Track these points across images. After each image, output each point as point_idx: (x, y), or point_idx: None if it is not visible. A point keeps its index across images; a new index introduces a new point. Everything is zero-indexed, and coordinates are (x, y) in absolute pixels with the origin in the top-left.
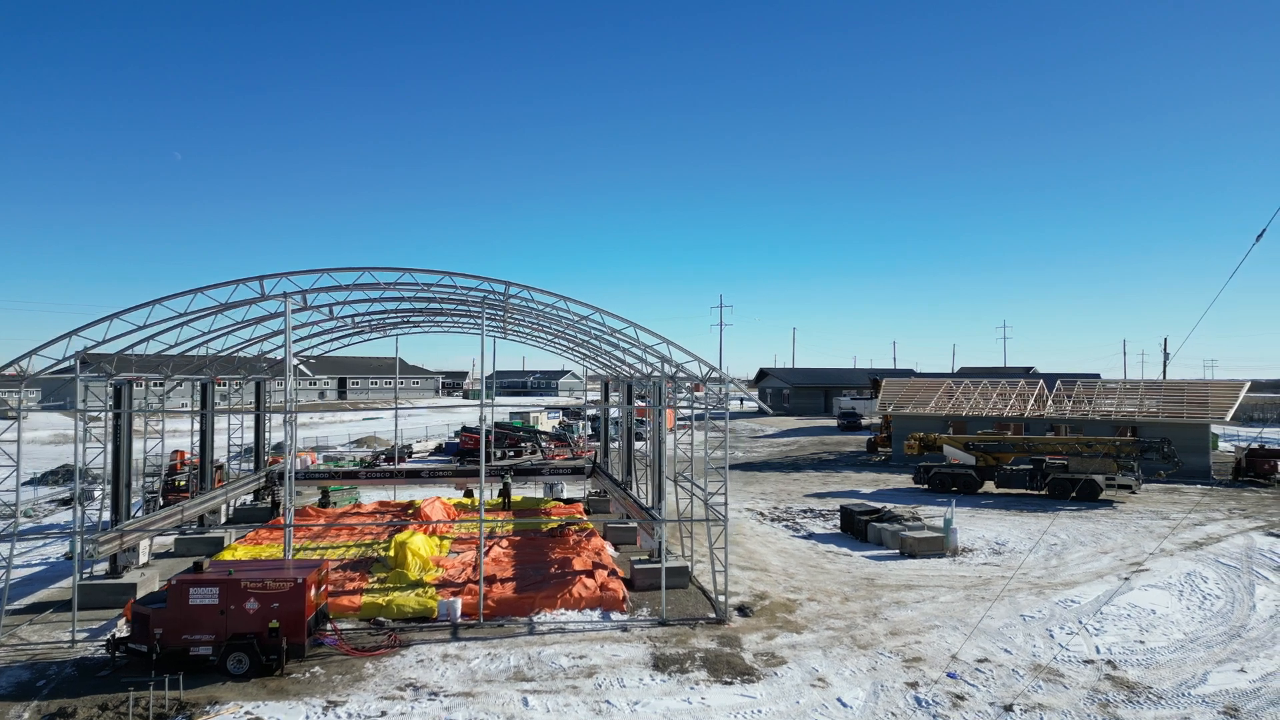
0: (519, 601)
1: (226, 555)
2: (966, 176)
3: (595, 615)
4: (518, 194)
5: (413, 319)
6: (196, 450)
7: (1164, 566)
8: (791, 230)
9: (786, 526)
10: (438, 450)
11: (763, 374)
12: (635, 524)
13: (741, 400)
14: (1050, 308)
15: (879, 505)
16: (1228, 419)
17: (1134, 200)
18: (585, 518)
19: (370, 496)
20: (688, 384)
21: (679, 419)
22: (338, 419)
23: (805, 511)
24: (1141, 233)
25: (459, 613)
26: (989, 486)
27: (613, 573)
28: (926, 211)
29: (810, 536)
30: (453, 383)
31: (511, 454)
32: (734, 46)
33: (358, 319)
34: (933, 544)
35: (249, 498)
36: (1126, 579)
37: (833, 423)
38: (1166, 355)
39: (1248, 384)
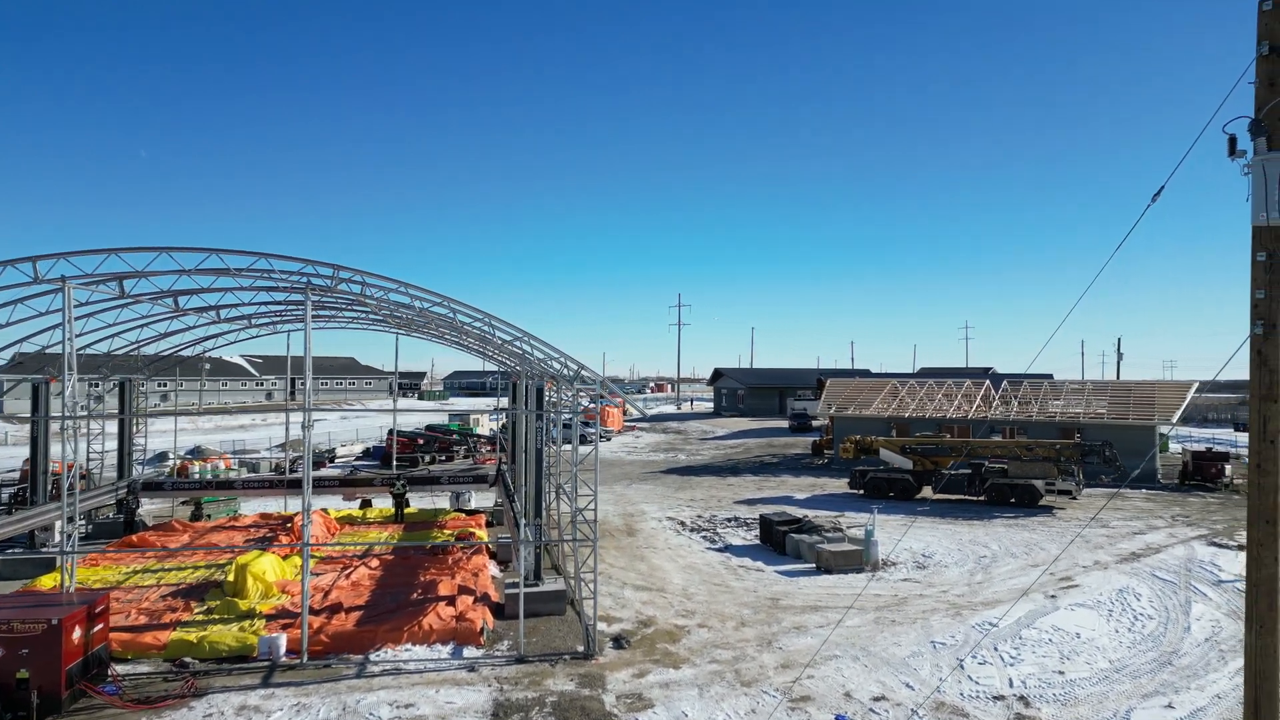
0: (358, 635)
1: (47, 581)
2: (934, 176)
3: (446, 651)
4: (479, 196)
5: (292, 313)
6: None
7: (1095, 582)
8: (753, 230)
9: (704, 538)
10: (365, 454)
11: (718, 374)
12: None
13: (692, 402)
14: (1012, 308)
15: (802, 514)
16: (1174, 420)
17: (1094, 200)
18: (483, 531)
19: (257, 507)
20: (579, 384)
21: (629, 421)
22: (280, 420)
23: (730, 520)
24: (1102, 233)
25: (283, 650)
26: (926, 492)
27: (481, 598)
28: (891, 211)
29: (726, 549)
30: (409, 384)
31: (443, 458)
32: (693, 50)
33: (224, 311)
34: (850, 557)
35: (113, 511)
36: (1053, 597)
37: (785, 424)
38: (1120, 355)
39: (1195, 385)
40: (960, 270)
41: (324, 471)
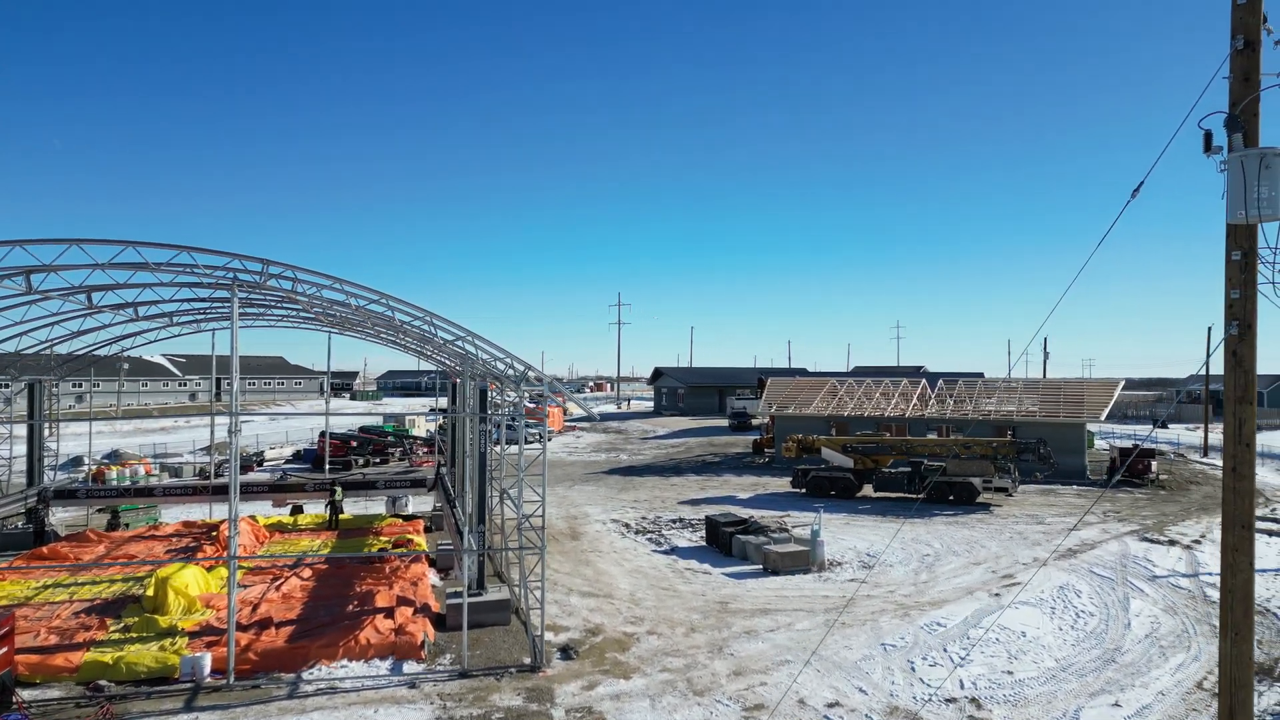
0: (289, 653)
1: None
2: (866, 177)
3: (385, 667)
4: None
5: (218, 310)
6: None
7: (1037, 579)
8: (691, 229)
9: (650, 540)
10: (296, 457)
11: (658, 373)
12: None
13: (629, 401)
14: (941, 308)
15: (748, 514)
16: (1103, 418)
17: (1025, 202)
18: (421, 537)
19: (179, 515)
20: (526, 385)
21: (570, 420)
22: (205, 423)
23: (675, 522)
24: (1031, 234)
25: (208, 670)
26: (867, 490)
27: (422, 609)
28: (826, 211)
29: (672, 551)
30: (341, 384)
31: (378, 461)
32: (631, 46)
33: (142, 309)
34: (797, 558)
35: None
36: (998, 595)
37: (725, 423)
38: (1046, 355)
39: (1121, 383)
40: (892, 270)
41: (252, 476)
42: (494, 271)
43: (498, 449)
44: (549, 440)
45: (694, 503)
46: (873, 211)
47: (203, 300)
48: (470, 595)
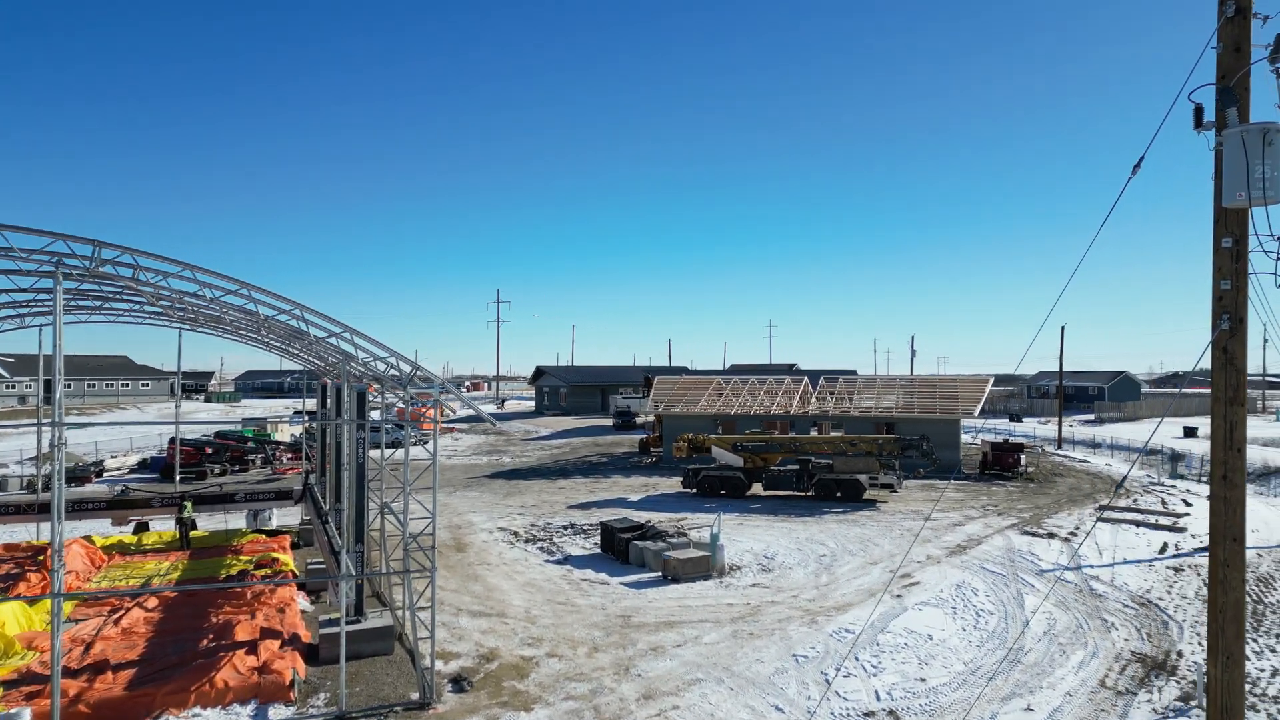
0: (130, 702)
1: None
2: (738, 176)
3: (247, 713)
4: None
5: (43, 302)
6: None
7: (934, 578)
8: (571, 228)
9: (542, 549)
10: (142, 466)
11: (540, 372)
12: None
13: (503, 402)
14: (810, 307)
15: (643, 519)
16: (976, 413)
17: (888, 205)
18: (288, 555)
19: (2, 536)
20: (413, 387)
21: (448, 422)
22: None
23: (566, 528)
24: (893, 235)
25: None
26: (757, 489)
27: (290, 641)
28: (703, 210)
29: (566, 561)
30: (195, 385)
31: (236, 469)
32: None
33: None
34: (698, 565)
35: None
36: (899, 596)
37: (609, 422)
38: (914, 352)
39: (992, 379)
40: (764, 268)
41: (89, 489)
42: (357, 267)
43: (375, 453)
44: (426, 444)
45: (584, 506)
46: (743, 210)
47: (23, 290)
48: (348, 622)
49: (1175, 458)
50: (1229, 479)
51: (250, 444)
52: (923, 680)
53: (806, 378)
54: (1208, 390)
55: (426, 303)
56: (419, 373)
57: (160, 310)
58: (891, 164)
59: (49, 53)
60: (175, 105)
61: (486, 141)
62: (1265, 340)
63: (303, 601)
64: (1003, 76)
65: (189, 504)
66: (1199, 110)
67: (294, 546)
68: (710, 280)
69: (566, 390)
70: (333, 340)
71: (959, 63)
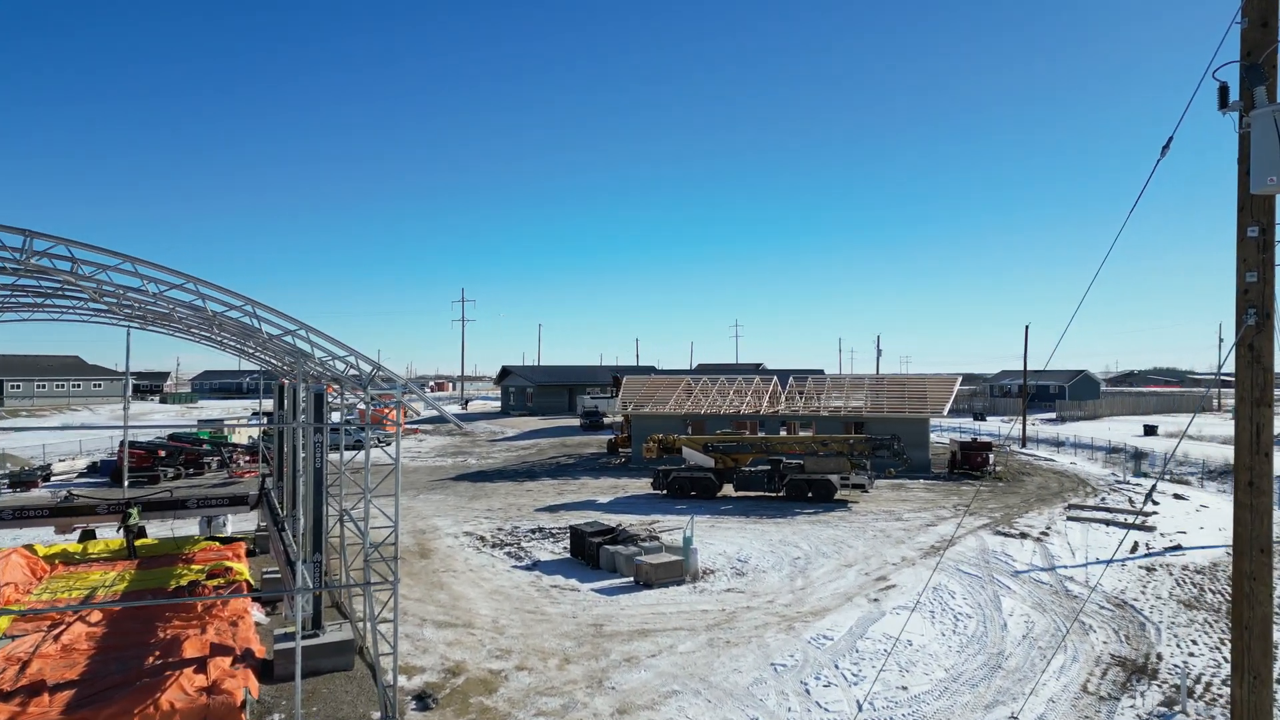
0: None
1: None
2: (703, 177)
3: None
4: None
5: None
6: None
7: (910, 580)
8: (537, 227)
9: (509, 554)
10: (92, 470)
11: (506, 372)
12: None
13: (466, 403)
14: (776, 307)
15: (614, 523)
16: (945, 412)
17: (849, 206)
18: (242, 564)
19: None
20: (374, 387)
21: (412, 423)
22: None
23: (534, 532)
24: (854, 236)
25: None
26: (728, 490)
27: (243, 657)
28: (671, 210)
29: (535, 566)
30: (149, 385)
31: (191, 472)
32: (487, 43)
33: None
34: (671, 569)
35: None
36: (876, 600)
37: (576, 422)
38: (879, 351)
39: (959, 378)
40: (730, 269)
41: (32, 495)
42: (321, 267)
43: (335, 455)
44: (388, 445)
45: (552, 509)
46: (707, 211)
47: None
48: (305, 636)
49: (1138, 456)
50: (1256, 485)
51: (206, 446)
52: (904, 689)
53: (775, 377)
54: (1164, 389)
55: (390, 302)
56: (380, 372)
57: (106, 307)
58: (853, 165)
59: (49, 52)
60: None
61: (452, 141)
62: (1220, 339)
63: (258, 613)
64: (969, 74)
65: (136, 510)
66: (1224, 90)
67: (250, 554)
68: (676, 280)
69: (533, 390)
70: (288, 338)
71: (924, 60)
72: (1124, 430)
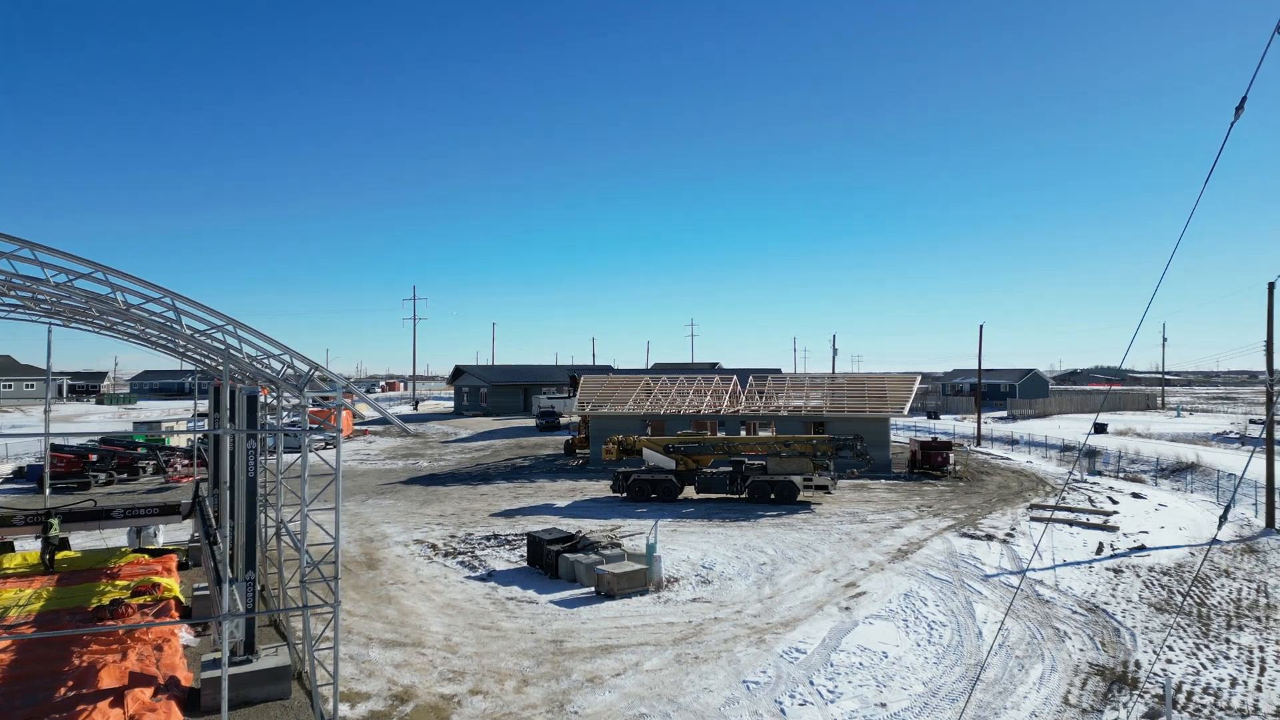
0: None
1: None
2: (658, 178)
3: None
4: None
5: None
6: None
7: (880, 587)
8: (490, 224)
9: (463, 564)
10: (18, 475)
11: (459, 372)
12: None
13: (417, 404)
14: (730, 307)
15: (573, 528)
16: (905, 411)
17: (801, 209)
18: (173, 578)
19: None
20: (313, 389)
21: (361, 424)
22: None
23: (489, 539)
24: (813, 237)
25: None
26: (689, 492)
27: (166, 687)
28: (625, 209)
29: (490, 576)
30: (86, 386)
31: (124, 477)
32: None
33: None
34: (634, 578)
35: None
36: (848, 608)
37: (532, 423)
38: (835, 350)
39: (919, 377)
40: (685, 267)
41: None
42: (262, 264)
43: (273, 458)
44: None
45: (508, 514)
46: (662, 212)
47: None
48: (236, 663)
49: (1092, 454)
50: None
51: (141, 450)
52: (883, 705)
53: (735, 377)
54: (1115, 387)
55: (339, 300)
56: (318, 372)
57: (20, 302)
58: (804, 169)
59: (58, 68)
60: None
61: (400, 138)
62: (1164, 339)
63: (186, 635)
64: (940, 78)
65: (56, 522)
66: None
67: (182, 567)
68: (632, 279)
69: (487, 390)
70: (214, 334)
71: (877, 59)
72: (1074, 428)
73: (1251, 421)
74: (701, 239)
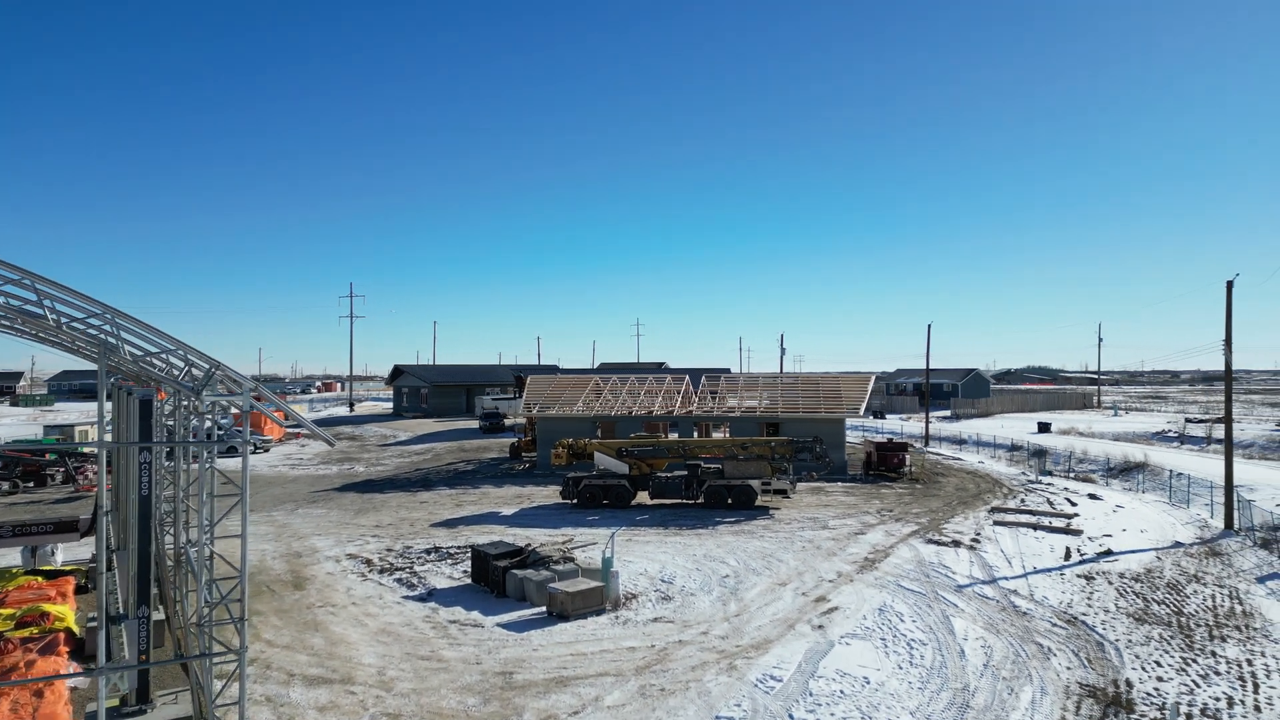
0: None
1: None
2: (605, 178)
3: None
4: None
5: None
6: None
7: (852, 601)
8: (431, 222)
9: (400, 581)
10: None
11: (398, 372)
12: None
13: (353, 405)
14: (676, 306)
15: (522, 540)
16: (861, 411)
17: (745, 209)
18: (67, 605)
19: None
20: (215, 391)
21: (293, 426)
22: None
23: (429, 552)
24: (757, 237)
25: None
26: (643, 497)
27: None
28: (573, 209)
29: (431, 596)
30: (1, 386)
31: (31, 485)
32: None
33: None
34: (590, 597)
35: None
36: (821, 627)
37: (475, 424)
38: (783, 350)
39: (873, 377)
40: (631, 267)
41: None
42: (187, 259)
43: (220, 464)
44: (266, 451)
45: (451, 524)
46: (604, 211)
47: None
48: (128, 714)
49: (1040, 454)
50: None
51: (50, 456)
52: None
53: (687, 377)
54: (1045, 387)
55: (272, 297)
56: (220, 372)
57: None
58: (750, 167)
59: (64, 74)
60: None
61: (343, 135)
62: (1100, 339)
63: (75, 675)
64: (908, 78)
65: None
66: None
67: (81, 590)
68: (577, 279)
69: (428, 390)
70: (90, 323)
71: (838, 59)
72: (1018, 427)
73: (1188, 420)
74: (647, 239)
